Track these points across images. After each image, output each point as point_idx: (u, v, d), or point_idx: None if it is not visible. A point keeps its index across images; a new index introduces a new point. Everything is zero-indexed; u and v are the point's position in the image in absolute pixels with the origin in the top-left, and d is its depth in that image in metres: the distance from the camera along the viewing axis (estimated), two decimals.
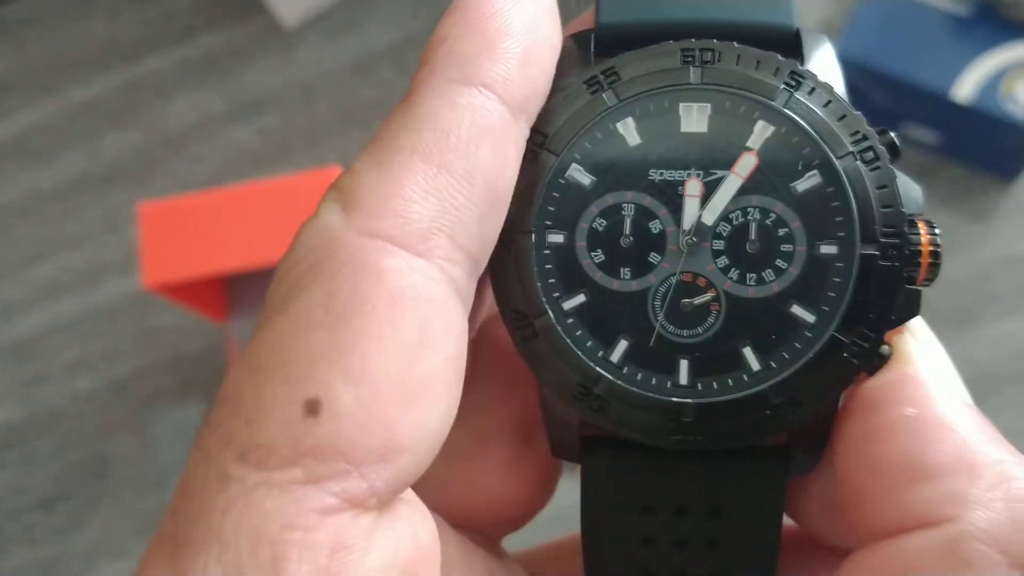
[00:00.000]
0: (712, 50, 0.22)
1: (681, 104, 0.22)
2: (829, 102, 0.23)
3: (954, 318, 0.82)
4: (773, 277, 0.22)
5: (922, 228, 0.23)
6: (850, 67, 0.78)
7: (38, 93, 0.97)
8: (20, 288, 0.91)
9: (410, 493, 0.22)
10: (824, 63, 0.24)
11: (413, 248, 0.21)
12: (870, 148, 0.23)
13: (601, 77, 0.23)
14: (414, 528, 0.21)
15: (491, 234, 0.22)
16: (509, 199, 0.23)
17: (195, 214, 0.70)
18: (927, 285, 0.23)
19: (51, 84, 0.97)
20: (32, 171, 0.94)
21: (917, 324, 0.24)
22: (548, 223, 0.23)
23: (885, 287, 0.22)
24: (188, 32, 0.97)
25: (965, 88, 0.74)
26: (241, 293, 0.81)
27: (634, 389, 0.22)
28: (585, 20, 0.25)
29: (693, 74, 0.22)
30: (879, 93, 0.79)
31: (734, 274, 0.22)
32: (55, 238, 0.92)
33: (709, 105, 0.22)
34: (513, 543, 0.29)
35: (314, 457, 0.20)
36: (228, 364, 0.83)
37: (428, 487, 0.23)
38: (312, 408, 0.20)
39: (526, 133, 0.23)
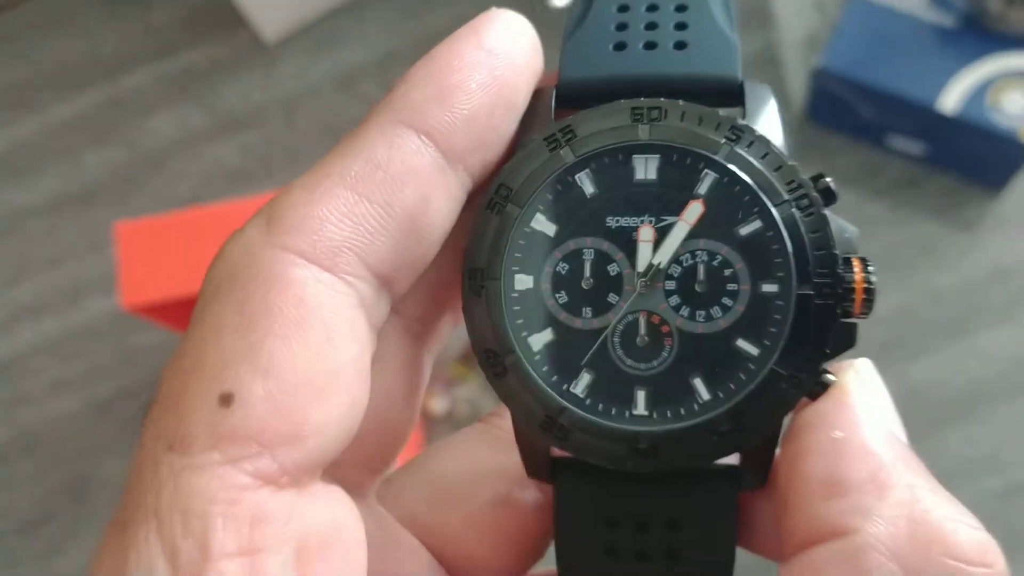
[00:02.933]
0: (659, 108, 0.25)
1: (633, 157, 0.25)
2: (767, 154, 0.25)
3: (945, 329, 0.81)
4: (720, 314, 0.24)
5: (857, 266, 0.24)
6: (835, 80, 0.77)
7: (18, 110, 0.96)
8: (0, 308, 0.90)
9: (335, 486, 0.25)
10: (764, 114, 0.25)
11: (321, 263, 0.24)
12: (805, 196, 0.24)
13: (559, 135, 0.25)
14: (332, 508, 0.24)
15: (409, 260, 0.25)
16: (435, 234, 0.25)
17: (174, 233, 0.69)
18: (863, 317, 0.25)
19: (31, 101, 0.96)
20: (12, 189, 0.93)
21: (861, 362, 0.26)
22: (515, 268, 0.25)
23: (820, 323, 0.24)
24: (169, 48, 0.96)
25: (951, 99, 0.74)
26: None
27: (595, 419, 0.25)
28: (552, 77, 0.27)
29: (642, 131, 0.25)
30: (865, 105, 0.79)
31: (685, 311, 0.25)
32: (35, 257, 0.91)
33: (658, 157, 0.25)
34: None
35: (230, 441, 0.23)
36: None
37: (420, 527, 0.27)
38: (226, 400, 0.23)
39: (464, 181, 0.25)
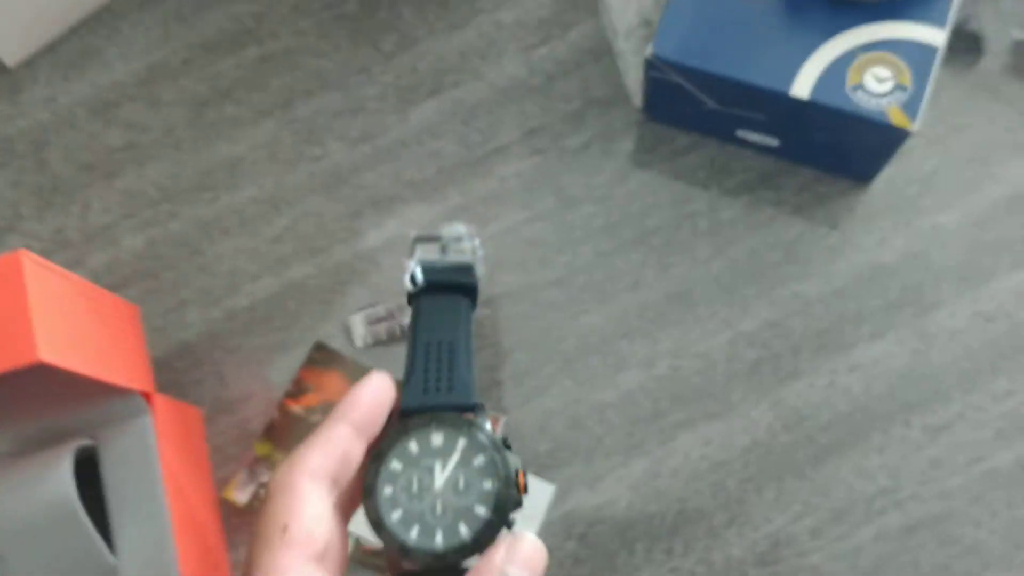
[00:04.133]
0: (442, 416, 0.47)
1: (431, 433, 0.46)
2: (482, 430, 0.46)
3: (817, 345, 0.71)
4: (469, 496, 0.45)
5: (520, 473, 0.45)
6: (670, 68, 0.65)
7: None
8: None
9: None
10: (482, 414, 0.47)
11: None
12: (499, 445, 0.46)
13: (404, 426, 0.47)
14: None
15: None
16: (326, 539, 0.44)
17: None
18: (525, 493, 0.46)
19: None
20: None
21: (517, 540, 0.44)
22: (385, 483, 0.46)
23: (508, 497, 0.45)
24: None
25: (805, 82, 0.63)
26: None
27: (419, 547, 0.45)
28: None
29: (435, 423, 0.46)
30: (708, 96, 0.67)
31: (454, 497, 0.45)
32: None
33: (442, 433, 0.46)
34: None
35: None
36: None
37: None
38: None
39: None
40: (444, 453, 0.45)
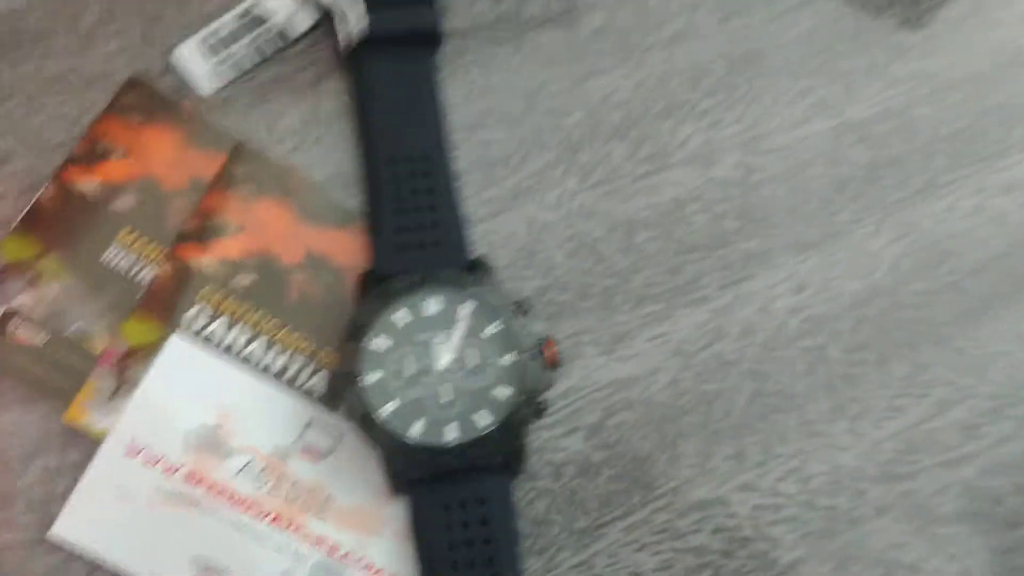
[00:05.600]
0: (435, 273, 0.39)
1: (423, 301, 0.38)
2: (494, 290, 0.38)
3: (956, 150, 0.46)
4: (485, 377, 0.37)
5: (549, 343, 0.38)
6: None
7: None
8: None
9: None
10: (487, 272, 0.39)
11: None
12: (517, 309, 0.38)
13: (384, 293, 0.38)
14: None
15: None
16: None
17: None
18: (556, 369, 0.39)
19: None
20: None
21: None
22: (370, 368, 0.37)
23: (536, 373, 0.37)
24: None
25: None
26: None
27: (429, 444, 0.37)
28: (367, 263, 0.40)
29: (427, 285, 0.38)
30: None
31: (465, 379, 0.37)
32: None
33: (440, 299, 0.38)
34: None
35: None
36: None
37: None
38: None
39: None
40: (445, 324, 0.38)
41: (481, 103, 0.44)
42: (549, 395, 0.41)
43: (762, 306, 0.43)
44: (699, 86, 0.45)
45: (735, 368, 0.42)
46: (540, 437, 0.41)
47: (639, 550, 0.40)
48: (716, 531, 0.40)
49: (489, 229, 0.42)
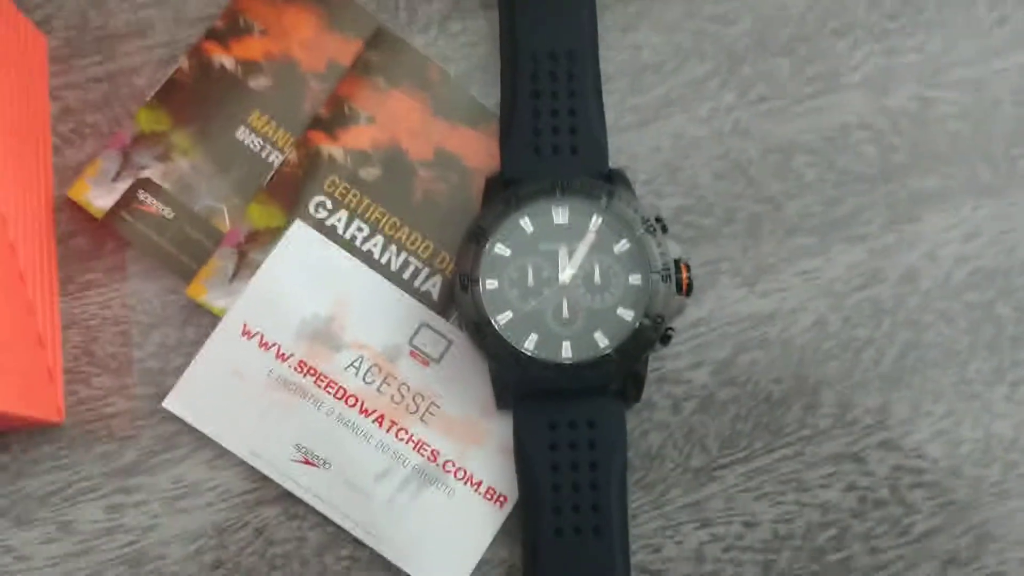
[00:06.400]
0: (568, 181, 0.36)
1: (552, 208, 0.36)
2: (628, 205, 0.36)
3: None
4: (609, 295, 0.36)
5: (683, 267, 0.36)
6: None
7: None
8: None
9: None
10: (623, 183, 0.37)
11: None
12: (652, 226, 0.35)
13: (511, 196, 0.36)
14: None
15: None
16: None
17: None
18: (688, 296, 0.36)
19: None
20: None
21: None
22: (489, 274, 0.36)
23: (665, 297, 0.35)
24: None
25: None
26: None
27: (542, 359, 0.35)
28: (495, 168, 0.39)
29: (558, 193, 0.36)
30: None
31: (588, 295, 0.36)
32: None
33: (567, 207, 0.36)
34: None
35: None
36: None
37: None
38: None
39: None
40: (572, 235, 0.36)
41: (637, 3, 0.40)
42: (677, 323, 0.38)
43: (928, 252, 0.38)
44: (881, 5, 0.40)
45: (891, 316, 0.38)
46: (662, 366, 0.38)
47: (758, 498, 0.37)
48: (848, 489, 0.37)
49: (631, 139, 0.39)
